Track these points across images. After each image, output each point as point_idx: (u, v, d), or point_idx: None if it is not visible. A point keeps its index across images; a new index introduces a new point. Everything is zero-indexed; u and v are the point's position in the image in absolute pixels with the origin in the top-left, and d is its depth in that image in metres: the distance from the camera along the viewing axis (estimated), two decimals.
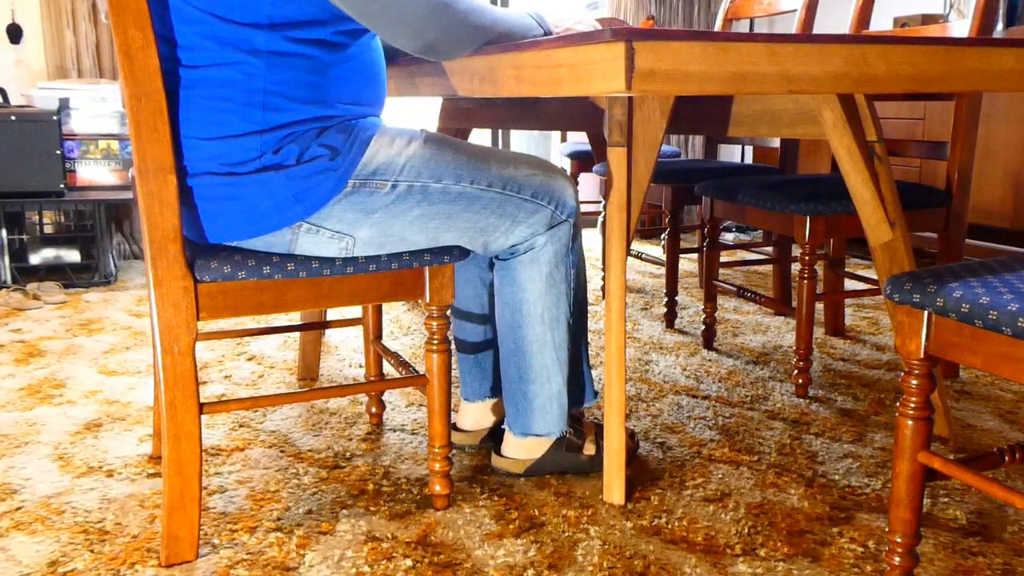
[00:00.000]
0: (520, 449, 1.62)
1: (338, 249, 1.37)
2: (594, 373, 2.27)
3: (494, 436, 1.79)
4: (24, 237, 3.37)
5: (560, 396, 1.58)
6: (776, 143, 3.06)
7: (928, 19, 3.48)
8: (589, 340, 1.67)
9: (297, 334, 2.52)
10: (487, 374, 1.75)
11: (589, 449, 1.64)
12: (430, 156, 1.39)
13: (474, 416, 1.78)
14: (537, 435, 1.60)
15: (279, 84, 1.29)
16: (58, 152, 3.27)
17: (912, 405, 1.15)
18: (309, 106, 1.32)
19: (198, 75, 1.28)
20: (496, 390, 1.77)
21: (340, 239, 1.36)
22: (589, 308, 3.02)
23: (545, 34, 1.46)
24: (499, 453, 1.65)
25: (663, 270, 3.71)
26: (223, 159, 1.29)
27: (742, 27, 4.79)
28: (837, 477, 1.65)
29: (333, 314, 2.82)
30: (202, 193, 1.31)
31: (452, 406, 2.00)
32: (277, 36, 1.27)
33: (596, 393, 1.70)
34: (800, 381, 2.09)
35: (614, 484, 1.53)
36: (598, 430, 1.68)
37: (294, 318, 2.81)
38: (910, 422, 1.15)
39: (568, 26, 1.50)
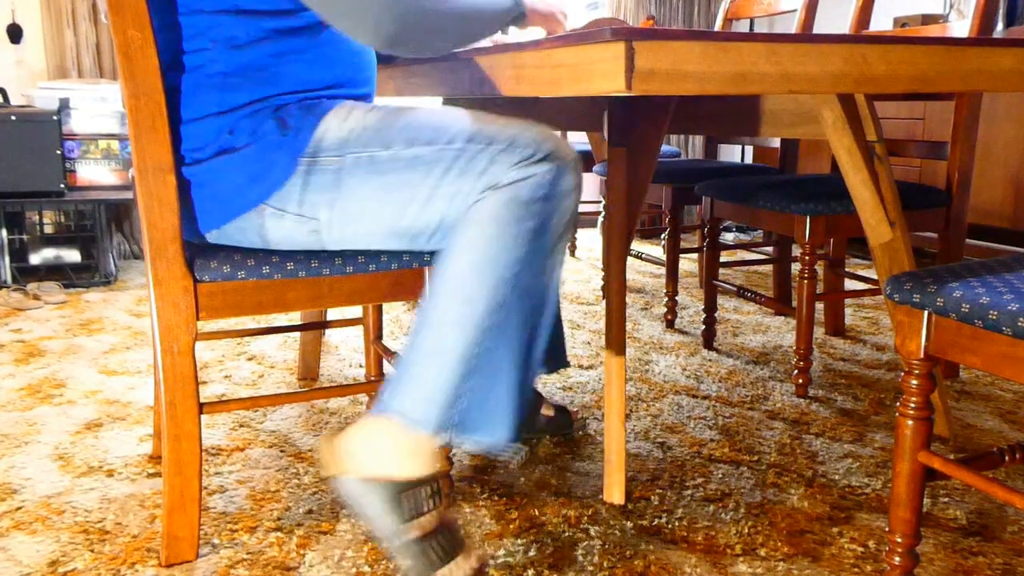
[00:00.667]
0: (362, 444, 1.17)
1: (307, 233, 1.29)
2: (594, 373, 2.27)
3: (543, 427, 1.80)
4: (24, 237, 3.37)
5: (454, 379, 1.14)
6: (776, 143, 3.06)
7: (928, 19, 3.48)
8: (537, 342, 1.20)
9: (297, 334, 2.52)
10: None
11: (408, 531, 1.16)
12: (380, 124, 1.24)
13: None
14: (396, 412, 1.15)
15: (242, 67, 1.26)
16: (58, 152, 3.27)
17: (912, 405, 1.15)
18: (268, 86, 1.27)
19: (169, 63, 1.28)
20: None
21: (305, 222, 1.27)
22: (589, 308, 3.02)
23: (520, 13, 1.36)
24: (339, 438, 1.21)
25: (663, 270, 3.71)
26: (188, 145, 1.28)
27: (742, 27, 4.79)
28: (837, 477, 1.65)
29: (333, 314, 2.82)
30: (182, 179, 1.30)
31: None
32: (244, 22, 1.24)
33: (519, 435, 1.23)
34: (800, 381, 2.09)
35: (614, 484, 1.53)
36: (460, 544, 1.20)
37: (294, 318, 2.81)
38: (910, 422, 1.15)
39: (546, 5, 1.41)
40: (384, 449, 1.16)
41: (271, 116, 1.27)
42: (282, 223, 1.29)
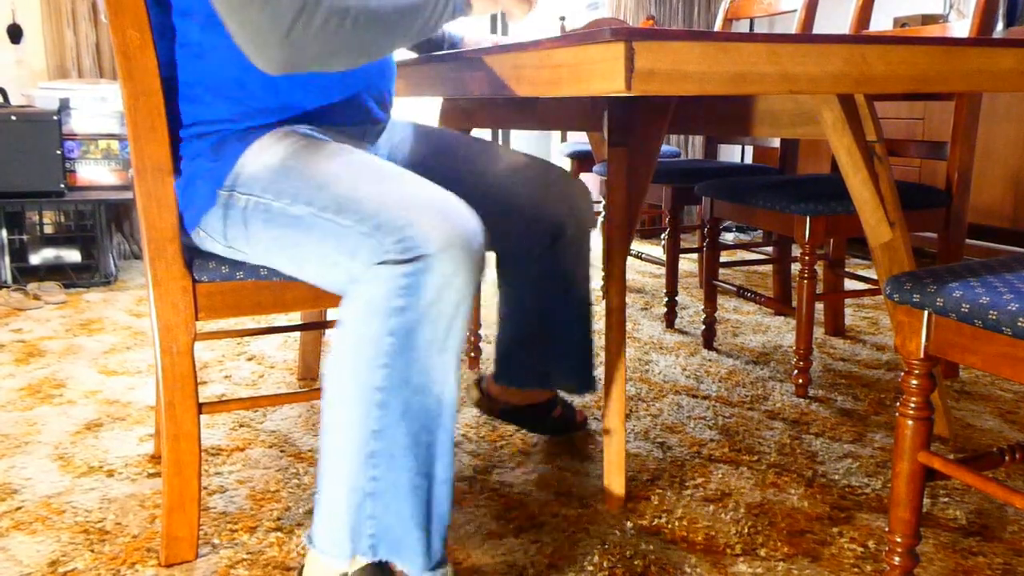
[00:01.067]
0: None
1: (242, 256, 1.27)
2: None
3: (512, 415, 1.80)
4: (24, 237, 3.37)
5: (350, 508, 1.07)
6: (776, 143, 3.06)
7: (928, 19, 3.48)
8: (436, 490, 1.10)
9: (297, 334, 2.52)
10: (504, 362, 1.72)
11: None
12: (282, 168, 1.16)
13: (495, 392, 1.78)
14: (310, 543, 1.12)
15: (203, 75, 1.25)
16: (58, 152, 3.27)
17: (912, 405, 1.15)
18: (226, 103, 1.25)
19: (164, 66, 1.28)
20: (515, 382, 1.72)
21: (234, 252, 1.26)
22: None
23: (454, 9, 1.24)
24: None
25: (663, 270, 3.71)
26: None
27: (742, 27, 4.78)
28: (837, 477, 1.65)
29: (333, 314, 2.82)
30: None
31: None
32: (210, 29, 1.23)
33: (423, 559, 1.09)
34: (800, 381, 2.09)
35: (614, 484, 1.53)
36: None
37: (294, 318, 2.81)
38: (910, 422, 1.15)
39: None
40: None
41: (219, 141, 1.26)
42: (220, 248, 1.28)
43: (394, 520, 1.07)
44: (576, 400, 2.06)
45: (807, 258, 2.06)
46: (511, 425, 1.88)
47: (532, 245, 1.60)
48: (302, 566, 1.15)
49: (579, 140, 4.28)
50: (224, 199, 1.22)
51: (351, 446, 1.05)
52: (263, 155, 1.20)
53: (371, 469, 1.05)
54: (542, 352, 1.68)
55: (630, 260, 3.85)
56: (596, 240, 4.52)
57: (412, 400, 1.04)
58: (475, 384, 1.84)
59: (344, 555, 1.09)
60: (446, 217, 1.04)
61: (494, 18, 4.64)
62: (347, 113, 1.35)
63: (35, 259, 3.39)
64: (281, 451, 1.77)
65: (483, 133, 4.89)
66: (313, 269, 1.13)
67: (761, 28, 4.90)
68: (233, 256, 1.28)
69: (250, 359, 2.39)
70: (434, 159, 1.56)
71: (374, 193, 1.08)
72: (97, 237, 3.38)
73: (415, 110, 4.75)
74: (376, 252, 1.03)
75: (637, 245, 4.46)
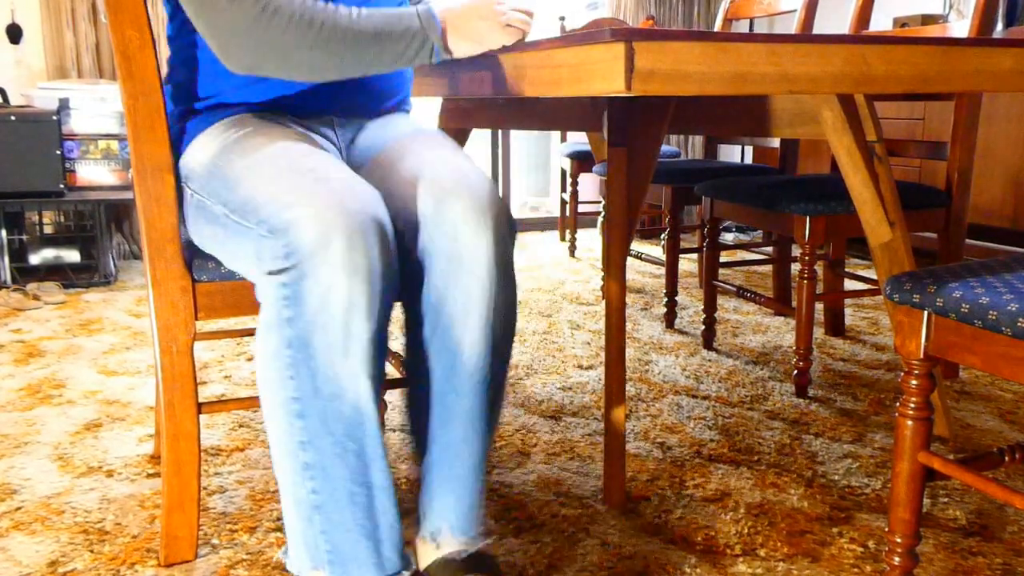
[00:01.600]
0: None
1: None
2: (594, 373, 2.27)
3: None
4: (24, 237, 3.37)
5: (296, 531, 1.07)
6: (776, 143, 3.06)
7: (928, 19, 3.48)
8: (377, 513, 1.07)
9: None
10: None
11: None
12: (211, 165, 1.17)
13: None
14: (287, 557, 1.12)
15: (187, 61, 1.29)
16: (58, 152, 3.27)
17: (912, 405, 1.15)
18: (201, 85, 1.28)
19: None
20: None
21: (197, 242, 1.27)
22: (589, 308, 3.02)
23: (425, 26, 1.17)
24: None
25: (663, 270, 3.71)
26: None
27: (742, 27, 4.78)
28: (837, 477, 1.65)
29: None
30: None
31: None
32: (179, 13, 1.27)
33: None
34: (800, 381, 2.09)
35: (614, 484, 1.53)
36: None
37: None
38: (910, 422, 1.15)
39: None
40: None
41: (187, 122, 1.29)
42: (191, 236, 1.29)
43: (340, 533, 1.04)
44: (576, 400, 2.06)
45: (807, 258, 2.06)
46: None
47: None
48: None
49: (579, 140, 4.28)
50: (184, 191, 1.25)
51: (286, 459, 1.04)
52: (203, 151, 1.20)
53: (308, 481, 1.04)
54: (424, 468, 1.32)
55: (630, 260, 3.85)
56: (596, 240, 4.51)
57: (328, 408, 1.01)
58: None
59: (308, 570, 1.07)
60: (328, 211, 0.98)
61: None
62: (309, 101, 1.32)
63: (35, 259, 3.39)
64: None
65: (483, 133, 4.89)
66: (238, 266, 1.13)
67: (761, 28, 4.90)
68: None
69: (250, 359, 2.39)
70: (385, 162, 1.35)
71: (269, 193, 1.04)
72: (97, 237, 3.38)
73: (415, 110, 4.74)
74: (269, 258, 1.01)
75: (637, 245, 4.46)
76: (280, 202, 1.01)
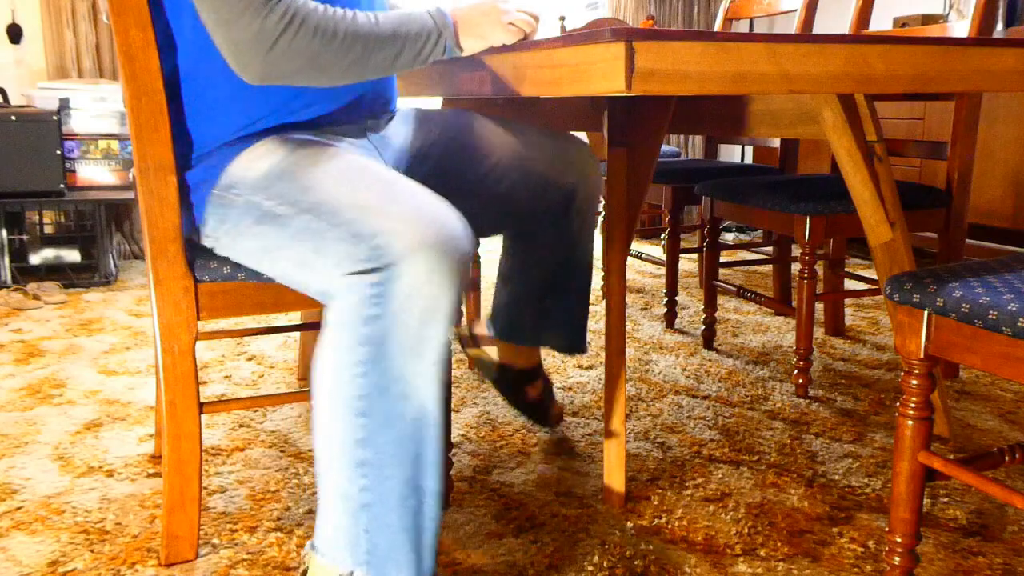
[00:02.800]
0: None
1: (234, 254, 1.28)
2: (594, 373, 2.27)
3: (465, 342, 1.81)
4: (24, 237, 3.37)
5: (345, 517, 1.07)
6: (776, 143, 3.06)
7: (928, 19, 3.48)
8: (432, 516, 1.09)
9: (297, 334, 2.52)
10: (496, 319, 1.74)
11: None
12: (275, 171, 1.20)
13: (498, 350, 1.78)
14: (313, 548, 1.11)
15: (204, 87, 1.27)
16: (58, 152, 3.27)
17: (912, 405, 1.15)
18: (231, 103, 1.27)
19: (174, 70, 1.28)
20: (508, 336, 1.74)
21: (227, 251, 1.27)
22: (589, 308, 3.02)
23: (440, 31, 1.23)
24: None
25: (663, 270, 3.71)
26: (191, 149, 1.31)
27: (742, 27, 4.79)
28: (837, 477, 1.65)
29: None
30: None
31: (455, 403, 2.00)
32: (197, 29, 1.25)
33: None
34: (800, 381, 2.09)
35: (614, 484, 1.53)
36: None
37: (294, 318, 2.81)
38: (910, 422, 1.15)
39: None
40: None
41: (226, 144, 1.28)
42: (211, 245, 1.29)
43: (385, 534, 1.05)
44: (576, 400, 2.06)
45: (807, 258, 2.06)
46: (484, 378, 1.88)
47: (545, 211, 1.59)
48: (305, 569, 1.14)
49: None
50: (216, 198, 1.24)
51: (340, 455, 1.06)
52: (260, 160, 1.22)
53: (361, 479, 1.05)
54: (539, 310, 1.69)
55: (630, 260, 3.85)
56: (596, 240, 4.52)
57: (393, 409, 1.03)
58: (465, 326, 1.83)
59: (346, 565, 1.08)
60: (421, 224, 1.04)
61: None
62: (346, 114, 1.36)
63: (35, 259, 3.39)
64: (281, 451, 1.77)
65: None
66: (289, 270, 1.15)
67: (761, 28, 4.90)
68: (220, 253, 1.29)
69: (250, 359, 2.39)
70: (448, 139, 1.55)
71: (354, 200, 1.09)
72: (97, 237, 3.38)
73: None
74: (350, 260, 1.05)
75: (637, 245, 4.46)
76: (371, 208, 1.07)
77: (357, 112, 1.38)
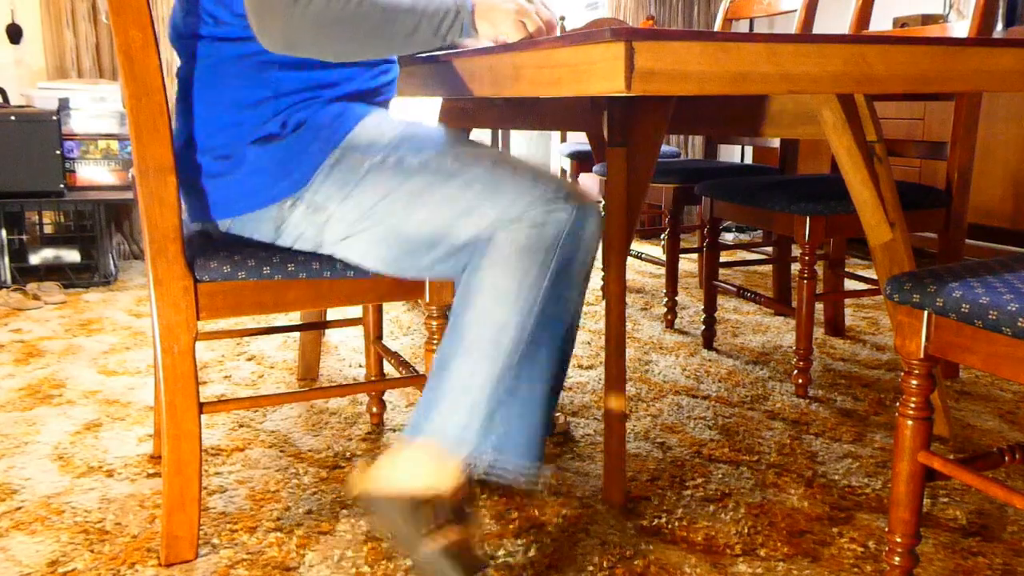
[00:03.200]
0: (397, 466, 1.21)
1: (314, 225, 1.30)
2: (594, 373, 2.27)
3: None
4: (24, 237, 3.37)
5: (480, 402, 1.19)
6: (776, 143, 3.06)
7: (928, 19, 3.48)
8: (559, 395, 1.24)
9: (297, 334, 2.52)
10: None
11: (437, 543, 1.16)
12: (414, 132, 1.30)
13: None
14: (430, 435, 1.19)
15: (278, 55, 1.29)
16: (58, 152, 3.27)
17: (912, 405, 1.15)
18: (316, 75, 1.31)
19: (220, 48, 1.30)
20: None
21: (317, 212, 1.30)
22: (589, 308, 3.02)
23: (459, 13, 1.29)
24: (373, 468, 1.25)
25: (663, 270, 3.71)
26: (251, 128, 1.30)
27: (742, 27, 4.79)
28: (837, 477, 1.65)
29: (333, 314, 2.82)
30: (209, 169, 1.31)
31: None
32: None
33: (536, 459, 1.23)
34: (800, 381, 2.09)
35: (614, 484, 1.53)
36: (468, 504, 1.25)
37: (294, 318, 2.81)
38: (910, 422, 1.15)
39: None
40: (414, 468, 1.19)
41: (320, 108, 1.31)
42: (296, 213, 1.31)
43: (522, 421, 1.21)
44: (576, 400, 2.06)
45: (807, 258, 2.06)
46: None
47: None
48: (390, 460, 1.21)
49: (579, 140, 4.28)
50: (334, 159, 1.28)
51: (503, 351, 1.19)
52: (382, 126, 1.31)
53: (518, 372, 1.20)
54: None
55: (630, 260, 3.85)
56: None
57: (558, 318, 1.22)
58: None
59: (466, 451, 1.18)
60: (584, 189, 1.26)
61: None
62: (388, 91, 1.46)
63: (35, 259, 3.39)
64: (281, 451, 1.77)
65: (483, 133, 4.89)
66: (427, 213, 1.24)
67: (761, 28, 4.90)
68: (307, 215, 1.31)
69: (250, 359, 2.39)
70: None
71: (514, 159, 1.27)
72: (97, 237, 3.38)
73: (415, 110, 4.75)
74: (542, 195, 1.20)
75: (637, 245, 4.46)
76: (537, 166, 1.27)
77: (392, 89, 1.46)
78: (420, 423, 1.20)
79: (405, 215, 1.25)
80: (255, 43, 1.27)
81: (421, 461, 1.19)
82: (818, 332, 2.69)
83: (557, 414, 1.96)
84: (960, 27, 2.20)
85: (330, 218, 1.29)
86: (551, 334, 1.22)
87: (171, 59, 3.87)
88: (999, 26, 3.39)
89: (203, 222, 1.36)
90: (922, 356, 1.14)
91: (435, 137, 1.29)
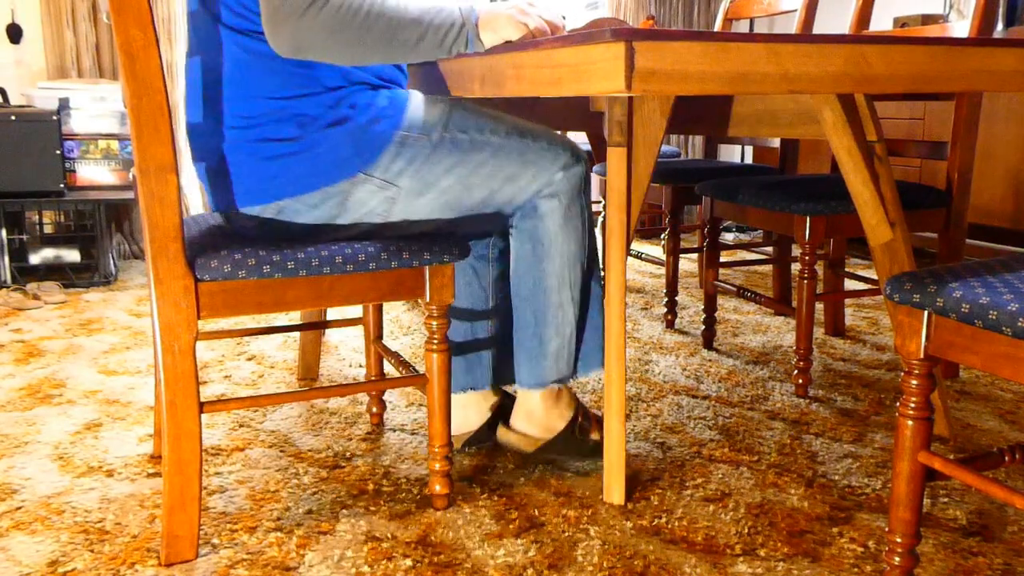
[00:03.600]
0: (534, 419, 1.63)
1: (384, 199, 1.44)
2: (593, 374, 2.26)
3: (478, 441, 1.77)
4: (24, 237, 3.37)
5: (571, 342, 1.59)
6: (776, 143, 3.06)
7: (928, 19, 3.48)
8: (603, 300, 1.59)
9: (297, 334, 2.52)
10: (472, 366, 1.74)
11: (596, 435, 1.66)
12: (457, 112, 1.47)
13: (457, 415, 1.76)
14: (555, 382, 1.60)
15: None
16: (58, 152, 3.27)
17: (912, 405, 1.15)
18: (359, 70, 1.42)
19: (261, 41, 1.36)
20: (480, 383, 1.75)
21: (387, 188, 1.44)
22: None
23: (463, 25, 1.38)
24: (509, 426, 1.65)
25: (663, 270, 3.71)
26: (286, 117, 1.37)
27: (742, 27, 4.79)
28: (837, 477, 1.65)
29: (333, 314, 2.82)
30: (265, 151, 1.38)
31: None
32: None
33: (603, 360, 1.63)
34: (800, 381, 2.09)
35: (614, 484, 1.53)
36: (599, 421, 1.69)
37: (294, 318, 2.81)
38: (910, 422, 1.15)
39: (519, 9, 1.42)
40: (557, 410, 1.65)
41: (374, 94, 1.42)
42: (366, 187, 1.42)
43: (589, 343, 1.64)
44: None
45: (807, 258, 2.06)
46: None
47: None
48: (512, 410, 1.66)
49: (579, 140, 4.28)
50: (400, 139, 1.41)
51: (576, 297, 1.58)
52: (432, 107, 1.46)
53: (582, 308, 1.60)
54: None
55: (630, 260, 3.85)
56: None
57: (591, 254, 1.62)
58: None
59: (572, 376, 1.62)
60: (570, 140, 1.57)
61: None
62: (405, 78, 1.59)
63: (35, 259, 3.39)
64: (281, 451, 1.77)
65: None
66: (480, 181, 1.48)
67: (761, 28, 4.90)
68: (376, 190, 1.43)
69: (250, 359, 2.39)
70: None
71: (529, 125, 1.54)
72: (97, 237, 3.38)
73: None
74: (561, 160, 1.53)
75: (637, 245, 4.47)
76: (545, 130, 1.56)
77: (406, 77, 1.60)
78: (538, 375, 1.60)
79: (464, 186, 1.47)
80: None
81: (552, 403, 1.63)
82: (818, 332, 2.69)
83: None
84: (960, 27, 2.20)
85: (400, 193, 1.44)
86: (589, 269, 1.61)
87: (171, 59, 3.87)
88: (999, 26, 3.39)
89: (250, 206, 1.41)
90: (922, 356, 1.14)
91: (470, 113, 1.48)
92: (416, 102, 1.47)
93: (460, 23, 1.36)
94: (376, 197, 1.44)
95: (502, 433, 1.64)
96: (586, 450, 1.66)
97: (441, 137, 1.44)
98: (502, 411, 1.78)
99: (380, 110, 1.42)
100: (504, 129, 1.49)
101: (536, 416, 1.63)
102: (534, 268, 1.57)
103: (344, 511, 1.50)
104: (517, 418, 1.64)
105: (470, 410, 1.75)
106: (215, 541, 1.41)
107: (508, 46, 1.35)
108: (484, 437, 1.77)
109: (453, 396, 1.77)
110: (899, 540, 1.19)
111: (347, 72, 1.41)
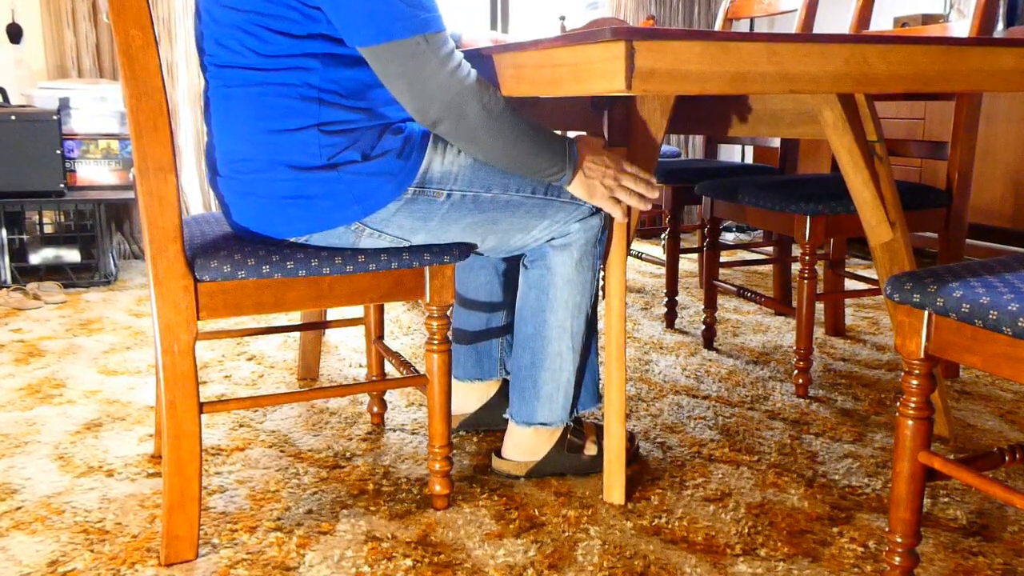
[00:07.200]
0: (521, 448, 1.62)
1: (391, 241, 1.42)
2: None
3: (475, 424, 1.85)
4: (24, 237, 3.37)
5: (568, 387, 1.59)
6: (776, 143, 3.06)
7: (928, 19, 3.48)
8: (600, 344, 1.64)
9: (297, 334, 2.52)
10: (482, 357, 1.80)
11: (590, 450, 1.65)
12: (479, 166, 1.43)
13: (457, 398, 1.84)
14: (541, 424, 1.60)
15: (333, 82, 1.32)
16: (58, 152, 3.27)
17: (912, 405, 1.15)
18: (363, 103, 1.35)
19: (259, 76, 1.31)
20: (488, 374, 1.82)
21: (398, 243, 1.42)
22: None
23: (561, 167, 1.41)
24: (500, 455, 1.65)
25: (663, 270, 3.71)
26: (288, 155, 1.32)
27: (742, 27, 4.79)
28: (837, 477, 1.65)
29: (333, 314, 2.82)
30: (268, 189, 1.34)
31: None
32: (333, 44, 1.30)
33: (600, 397, 1.68)
34: (800, 381, 2.09)
35: (614, 484, 1.53)
36: (598, 431, 1.68)
37: (294, 318, 2.81)
38: (910, 422, 1.15)
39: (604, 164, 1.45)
40: (540, 451, 1.63)
41: (377, 139, 1.36)
42: (377, 241, 1.40)
43: (587, 382, 1.64)
44: None
45: (807, 258, 2.06)
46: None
47: None
48: (502, 450, 1.65)
49: None
50: (411, 194, 1.38)
51: (577, 345, 1.57)
52: (447, 157, 1.41)
53: (581, 356, 1.59)
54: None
55: (630, 260, 3.85)
56: None
57: (593, 303, 1.59)
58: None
59: (562, 420, 1.61)
60: None
61: (494, 16, 4.64)
62: None
63: (35, 259, 3.39)
64: (281, 451, 1.77)
65: None
66: (496, 239, 1.49)
67: (761, 28, 4.90)
68: (385, 241, 1.41)
69: (250, 359, 2.39)
70: None
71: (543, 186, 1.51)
72: (97, 237, 3.38)
73: None
74: (578, 213, 1.49)
75: (637, 245, 4.47)
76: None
77: None
78: (527, 413, 1.60)
79: (477, 236, 1.47)
80: (295, 75, 1.31)
81: (541, 439, 1.62)
82: (818, 332, 2.69)
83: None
84: (960, 27, 2.20)
85: (411, 241, 1.43)
86: (591, 318, 1.60)
87: (171, 59, 3.87)
88: (999, 26, 3.39)
89: (274, 238, 1.39)
90: (922, 356, 1.14)
91: (487, 167, 1.43)
92: (436, 150, 1.41)
93: (562, 166, 1.40)
94: (383, 242, 1.42)
95: (495, 463, 1.65)
96: (582, 466, 1.65)
97: (463, 196, 1.42)
98: (501, 394, 1.85)
99: (389, 158, 1.37)
100: (529, 185, 1.45)
101: (523, 447, 1.63)
102: (537, 315, 1.56)
103: (344, 511, 1.50)
104: (507, 447, 1.64)
105: (470, 395, 1.81)
106: (215, 541, 1.41)
107: (506, 46, 1.35)
108: (479, 421, 1.84)
109: (457, 383, 1.83)
110: (899, 540, 1.19)
111: (365, 102, 1.37)
